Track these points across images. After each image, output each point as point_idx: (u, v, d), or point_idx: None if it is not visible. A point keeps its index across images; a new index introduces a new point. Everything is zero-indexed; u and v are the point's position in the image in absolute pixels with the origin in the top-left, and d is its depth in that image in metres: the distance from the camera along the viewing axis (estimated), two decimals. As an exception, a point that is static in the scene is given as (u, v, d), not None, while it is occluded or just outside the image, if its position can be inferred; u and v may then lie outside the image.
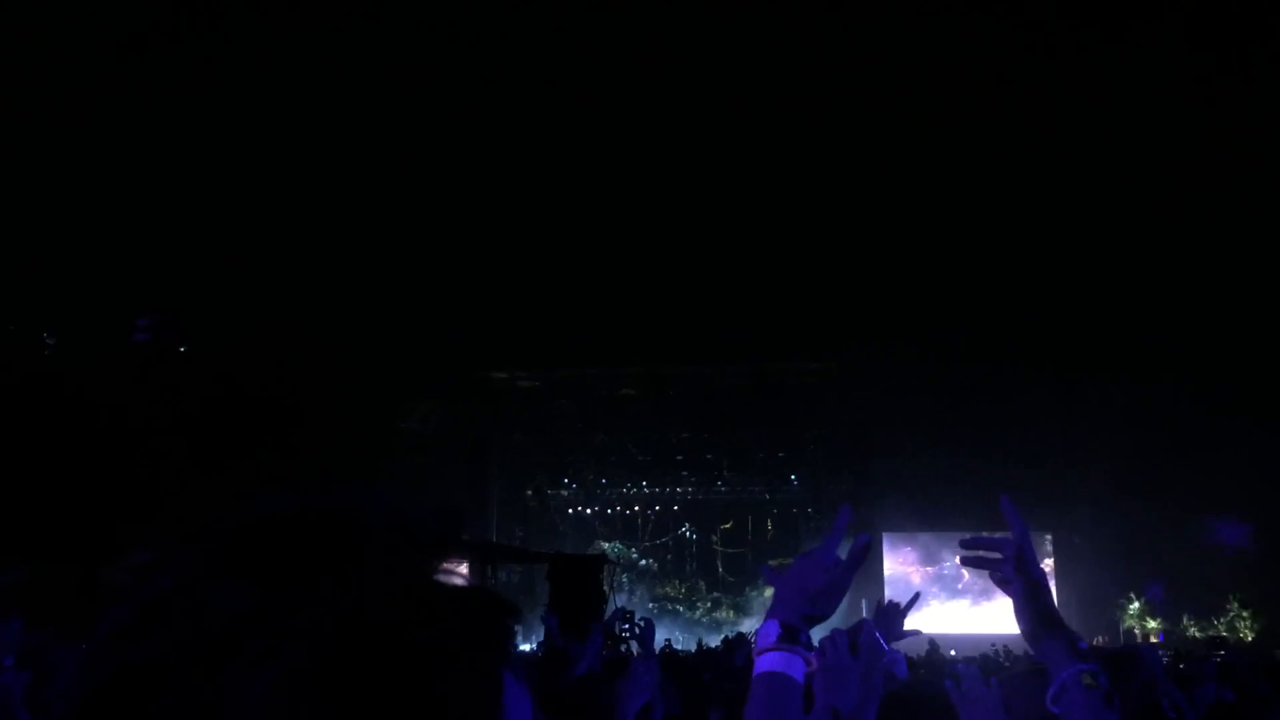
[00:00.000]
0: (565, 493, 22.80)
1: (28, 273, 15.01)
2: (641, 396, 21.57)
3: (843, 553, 1.46)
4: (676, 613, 21.41)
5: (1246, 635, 18.50)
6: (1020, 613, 1.41)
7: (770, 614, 1.42)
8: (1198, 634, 18.67)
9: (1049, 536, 20.40)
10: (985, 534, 1.54)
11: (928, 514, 20.26)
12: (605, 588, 15.56)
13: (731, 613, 21.62)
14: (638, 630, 6.60)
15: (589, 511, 22.95)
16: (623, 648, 8.39)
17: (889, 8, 16.45)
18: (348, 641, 0.47)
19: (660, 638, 15.87)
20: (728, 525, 22.91)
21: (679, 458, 22.04)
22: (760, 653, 1.38)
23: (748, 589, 22.08)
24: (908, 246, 18.66)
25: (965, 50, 16.53)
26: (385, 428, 19.54)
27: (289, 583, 0.48)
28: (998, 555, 1.44)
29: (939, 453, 19.46)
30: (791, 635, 1.37)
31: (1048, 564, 20.01)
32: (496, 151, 17.92)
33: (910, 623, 2.41)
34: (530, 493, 22.45)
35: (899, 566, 20.75)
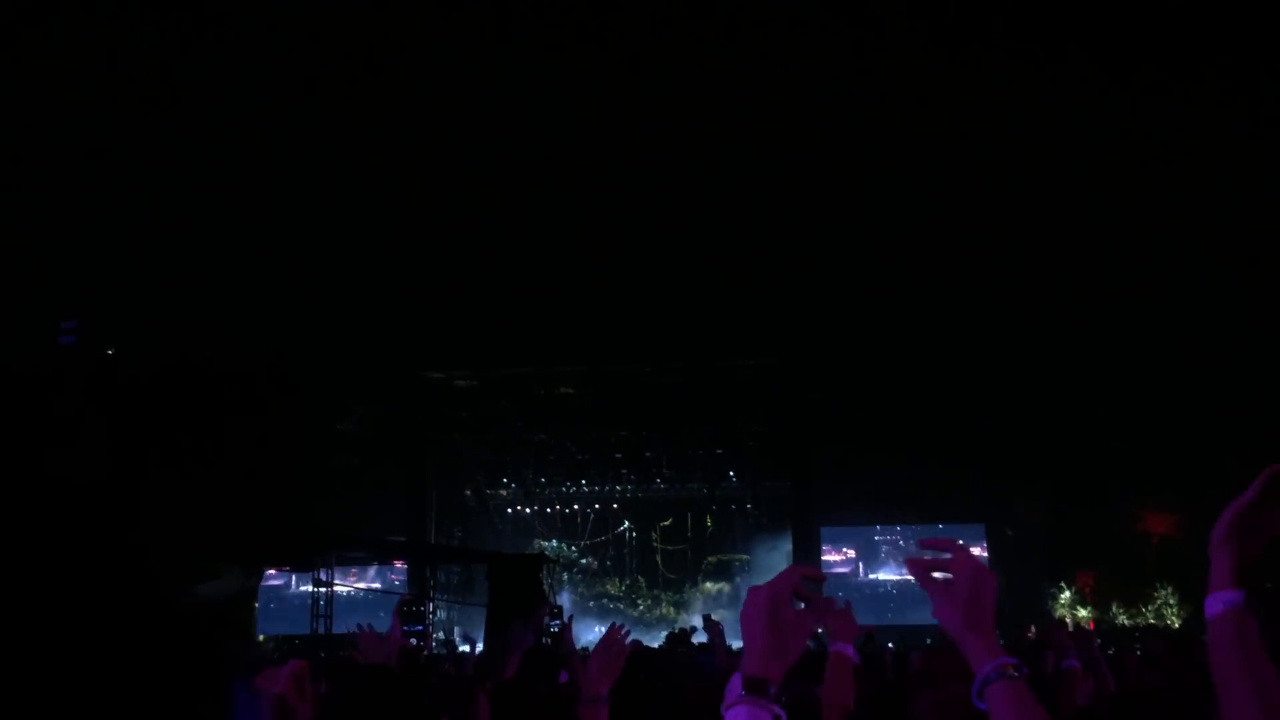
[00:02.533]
0: (504, 492, 22.71)
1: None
2: (580, 394, 21.54)
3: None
4: (618, 610, 21.44)
5: (1174, 621, 18.99)
6: (950, 609, 1.41)
7: (740, 667, 1.40)
8: (1126, 621, 19.15)
9: (982, 527, 20.75)
10: (925, 527, 1.55)
11: (865, 508, 20.55)
12: (544, 586, 15.52)
13: (672, 609, 21.70)
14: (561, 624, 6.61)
15: (528, 510, 22.89)
16: (545, 640, 8.44)
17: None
18: None
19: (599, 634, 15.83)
20: (667, 522, 22.97)
21: (618, 455, 22.03)
22: (728, 707, 1.34)
23: (687, 585, 22.18)
24: (847, 241, 18.82)
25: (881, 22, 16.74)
26: (320, 429, 19.29)
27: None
28: (947, 555, 1.44)
29: (877, 447, 19.69)
30: (757, 687, 1.35)
31: (980, 554, 20.35)
32: (434, 145, 17.76)
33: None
34: (469, 493, 22.33)
35: (836, 558, 20.96)
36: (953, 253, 18.53)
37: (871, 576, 20.77)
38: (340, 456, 19.40)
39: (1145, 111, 16.35)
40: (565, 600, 20.25)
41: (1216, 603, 1.32)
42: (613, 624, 2.55)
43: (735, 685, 1.37)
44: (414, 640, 12.54)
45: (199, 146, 16.41)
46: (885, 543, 20.94)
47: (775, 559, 21.04)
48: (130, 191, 16.09)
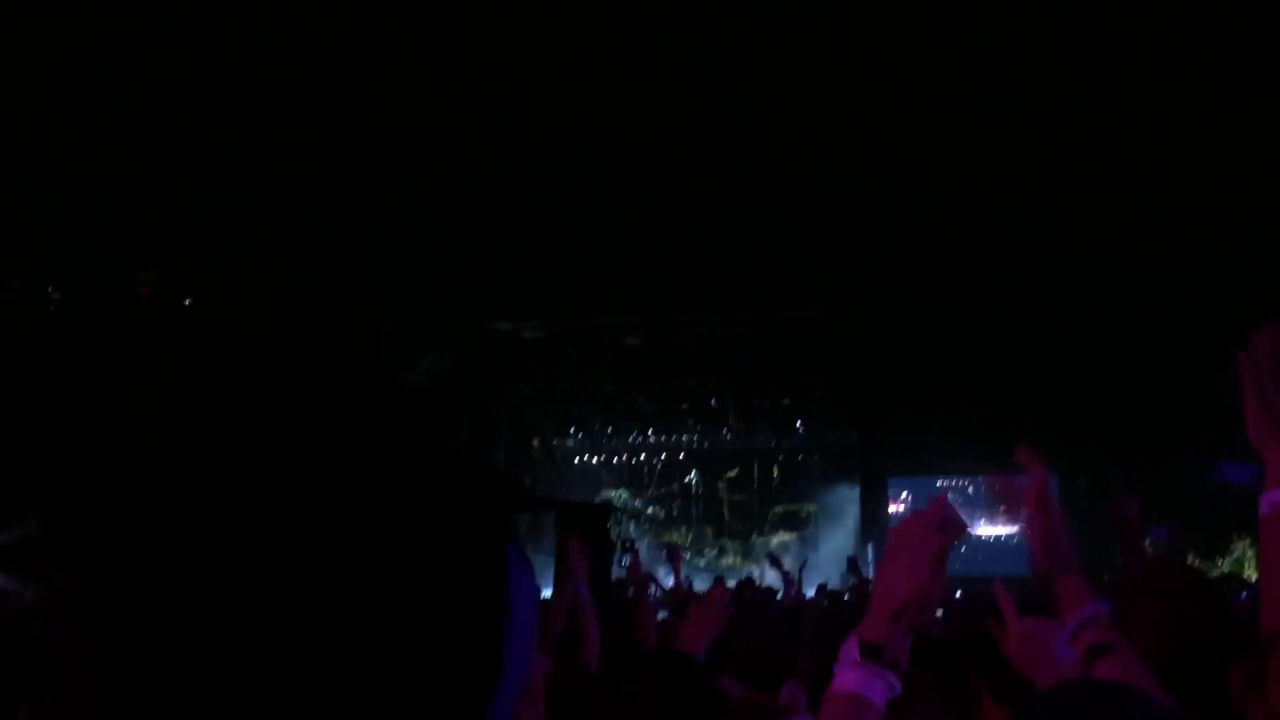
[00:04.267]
0: (571, 442, 22.89)
1: (29, 229, 15.00)
2: (647, 346, 21.58)
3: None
4: (683, 560, 21.58)
5: (1251, 575, 18.63)
6: (1035, 550, 1.39)
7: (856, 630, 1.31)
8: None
9: (1055, 478, 20.45)
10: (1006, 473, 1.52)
11: (933, 459, 20.37)
12: (612, 536, 15.67)
13: (737, 559, 21.78)
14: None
15: (595, 461, 23.06)
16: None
17: None
18: (354, 512, 0.48)
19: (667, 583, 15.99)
20: (733, 473, 23.00)
21: (684, 406, 22.09)
22: (839, 671, 1.28)
23: (753, 535, 22.22)
24: (914, 194, 18.52)
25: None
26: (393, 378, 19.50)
27: (296, 454, 0.49)
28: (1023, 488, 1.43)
29: (944, 398, 19.50)
30: (873, 652, 1.27)
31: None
32: (495, 93, 17.75)
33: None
34: (536, 443, 22.55)
35: (898, 509, 20.83)
36: (1019, 199, 18.13)
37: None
38: (406, 408, 19.61)
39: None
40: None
41: (1264, 504, 1.31)
42: (715, 582, 2.52)
43: (849, 648, 1.30)
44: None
45: (266, 97, 16.59)
46: (951, 490, 20.76)
47: (842, 509, 21.02)
48: (204, 139, 16.35)
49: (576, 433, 22.77)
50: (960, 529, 1.34)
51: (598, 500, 20.95)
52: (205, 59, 15.91)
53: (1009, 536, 20.34)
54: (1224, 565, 19.35)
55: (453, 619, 0.50)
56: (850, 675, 1.26)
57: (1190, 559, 19.79)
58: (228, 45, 15.90)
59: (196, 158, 16.41)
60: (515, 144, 18.39)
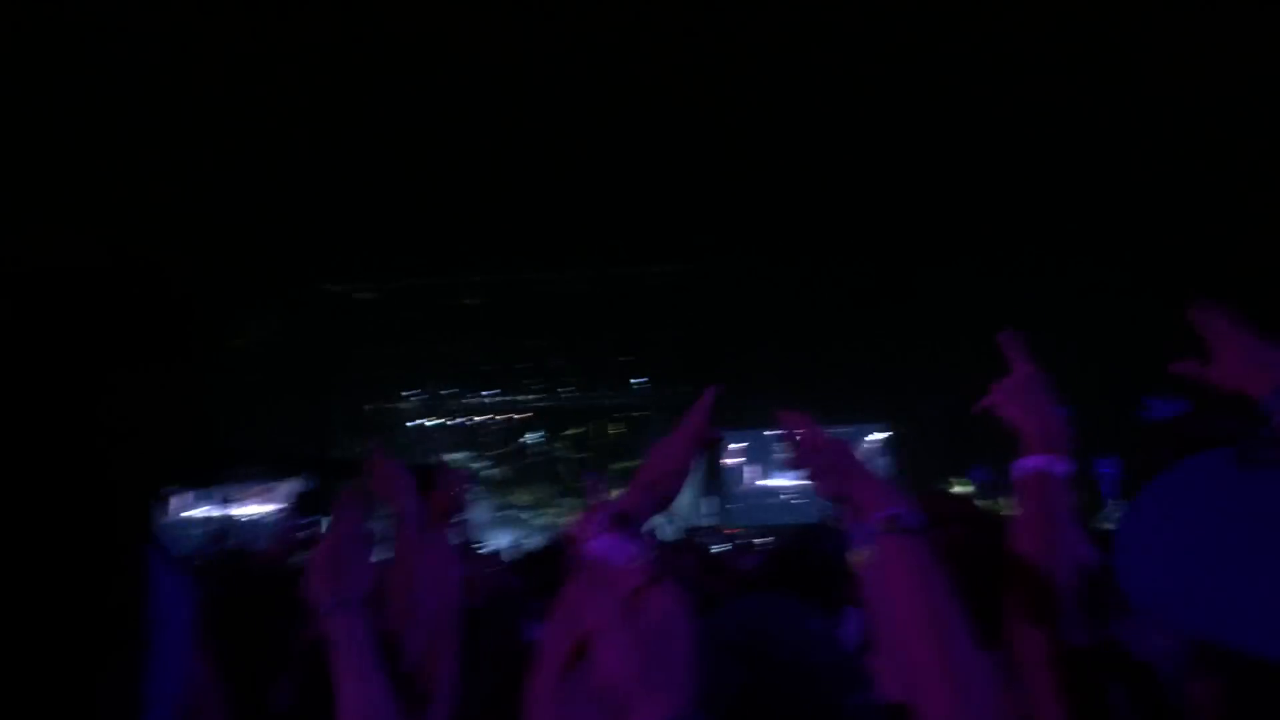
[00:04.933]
0: (409, 405, 22.50)
1: None
2: (486, 305, 21.32)
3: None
4: (525, 521, 21.57)
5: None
6: (822, 482, 1.43)
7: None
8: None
9: (886, 425, 21.25)
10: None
11: (768, 411, 20.82)
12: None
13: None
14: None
15: (434, 423, 22.74)
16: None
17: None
18: None
19: (508, 542, 15.98)
20: (574, 431, 23.05)
21: (523, 365, 21.97)
22: (589, 539, 1.31)
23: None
24: (751, 145, 18.73)
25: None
26: (218, 343, 18.80)
27: None
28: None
29: (780, 348, 19.93)
30: (622, 520, 1.32)
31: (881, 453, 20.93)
32: (330, 40, 17.09)
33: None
34: (371, 407, 22.08)
35: (732, 462, 21.32)
36: (857, 142, 18.54)
37: (760, 483, 21.11)
38: (240, 375, 18.95)
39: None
40: (471, 513, 20.23)
41: (1015, 469, 1.44)
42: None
43: (599, 519, 1.33)
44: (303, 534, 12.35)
45: (81, 36, 15.55)
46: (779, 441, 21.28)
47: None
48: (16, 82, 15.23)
49: (414, 395, 22.37)
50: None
51: (437, 462, 20.68)
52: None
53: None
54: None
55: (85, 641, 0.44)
56: (599, 542, 1.30)
57: (999, 500, 20.93)
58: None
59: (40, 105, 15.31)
60: (351, 97, 17.78)
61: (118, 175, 16.16)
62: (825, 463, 1.46)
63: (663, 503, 1.38)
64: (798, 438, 1.50)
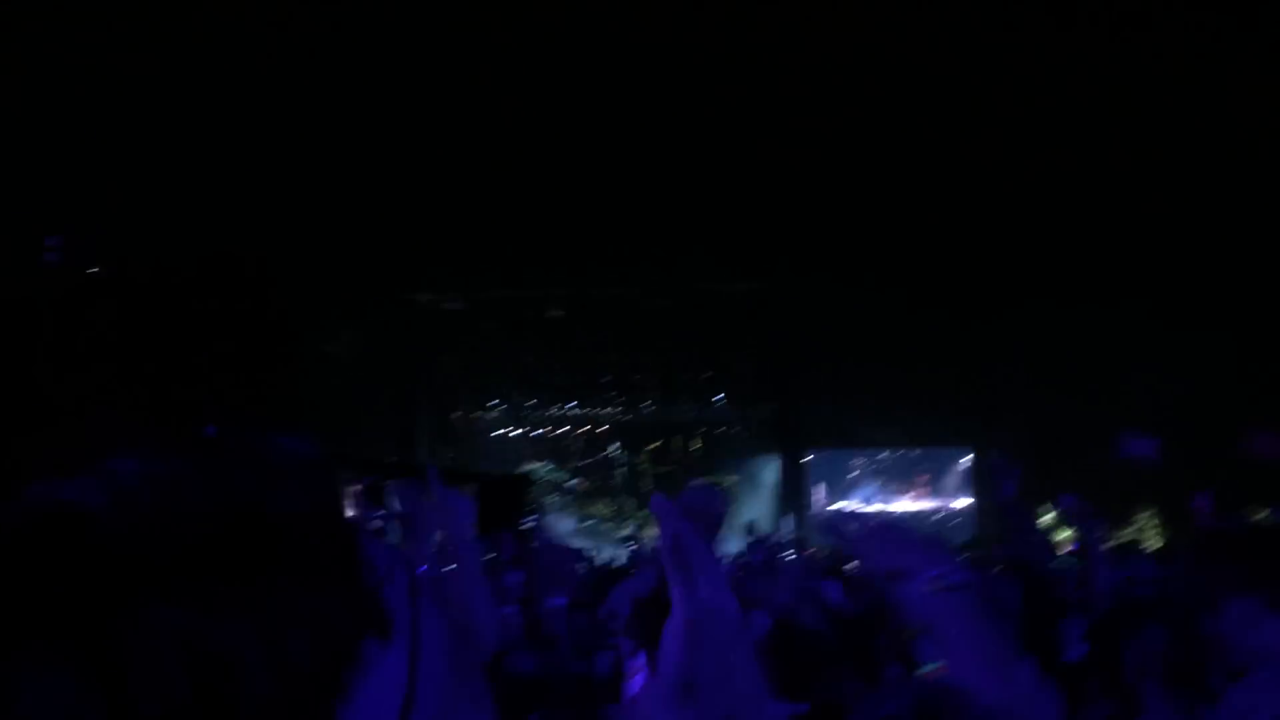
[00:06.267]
0: (494, 415, 22.79)
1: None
2: (569, 318, 21.54)
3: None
4: (604, 531, 21.67)
5: (1149, 544, 19.27)
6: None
7: None
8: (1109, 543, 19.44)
9: (969, 449, 20.93)
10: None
11: (851, 431, 20.69)
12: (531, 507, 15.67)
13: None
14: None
15: (518, 433, 22.99)
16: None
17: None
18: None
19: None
20: (656, 445, 23.10)
21: (605, 379, 22.12)
22: None
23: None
24: (834, 168, 18.68)
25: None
26: (309, 352, 19.29)
27: None
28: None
29: (864, 372, 19.78)
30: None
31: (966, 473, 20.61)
32: (410, 62, 17.47)
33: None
34: (458, 415, 22.41)
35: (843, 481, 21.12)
36: (938, 175, 18.41)
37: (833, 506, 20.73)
38: (328, 379, 19.39)
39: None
40: (554, 522, 20.40)
41: None
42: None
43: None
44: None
45: (182, 65, 16.13)
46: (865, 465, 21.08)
47: (764, 480, 21.27)
48: (111, 109, 15.84)
49: (499, 405, 22.66)
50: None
51: (520, 472, 20.91)
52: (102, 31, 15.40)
53: (923, 512, 20.79)
54: (1126, 534, 19.97)
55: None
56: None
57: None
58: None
59: (110, 116, 15.92)
60: (438, 115, 18.15)
61: (216, 186, 16.69)
62: (875, 545, 1.51)
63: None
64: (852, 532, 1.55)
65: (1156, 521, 20.00)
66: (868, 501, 20.83)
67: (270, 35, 16.38)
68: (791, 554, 10.03)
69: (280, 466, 0.54)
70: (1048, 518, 20.19)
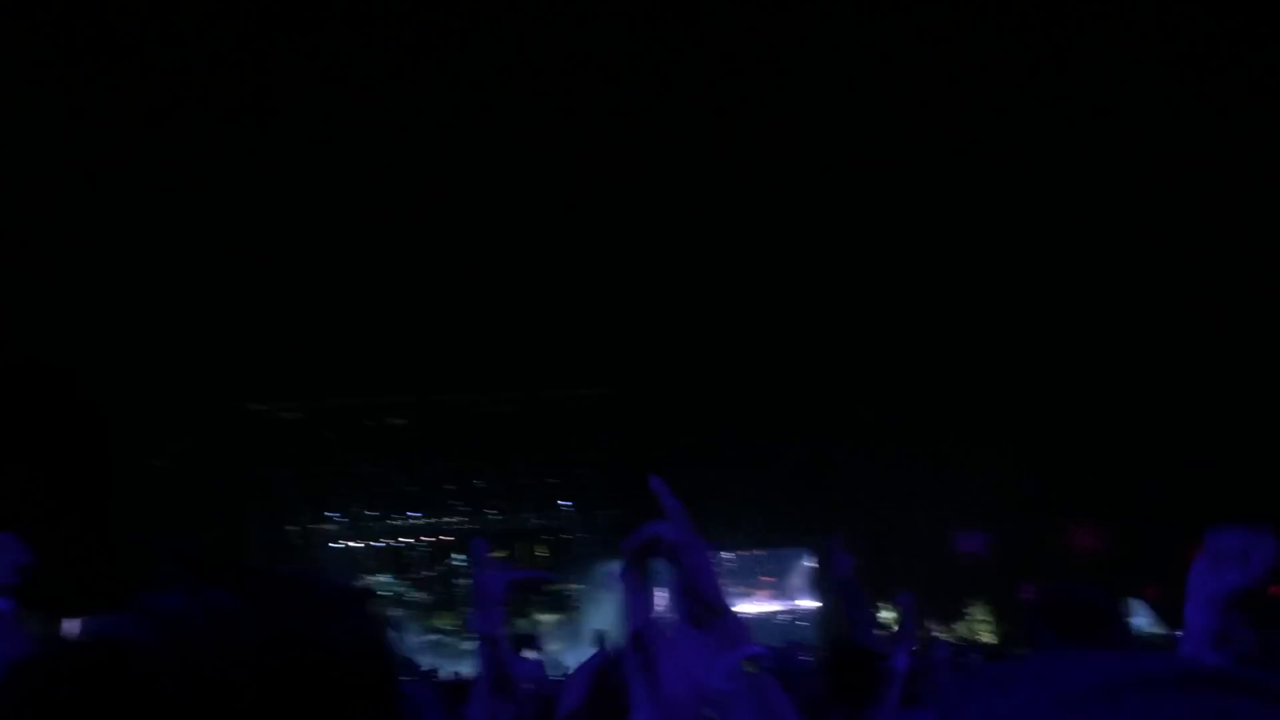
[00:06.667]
0: (331, 527, 22.03)
1: None
2: (410, 425, 21.19)
3: None
4: (452, 646, 21.03)
5: (988, 638, 19.88)
6: (678, 593, 1.43)
7: None
8: (941, 638, 19.96)
9: (809, 550, 21.28)
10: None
11: (701, 532, 20.76)
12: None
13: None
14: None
15: (357, 545, 22.26)
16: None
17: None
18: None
19: (431, 668, 15.56)
20: (501, 554, 22.67)
21: (449, 487, 21.74)
22: None
23: (518, 619, 21.91)
24: (676, 269, 19.14)
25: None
26: (132, 465, 18.40)
27: None
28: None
29: (711, 474, 20.01)
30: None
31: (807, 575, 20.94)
32: (250, 160, 17.22)
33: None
34: (294, 528, 21.59)
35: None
36: (768, 269, 19.04)
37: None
38: (156, 495, 18.49)
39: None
40: (394, 638, 19.66)
41: None
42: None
43: None
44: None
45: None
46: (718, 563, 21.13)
47: (609, 587, 21.07)
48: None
49: (337, 517, 21.94)
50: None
51: (359, 585, 20.17)
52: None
53: (773, 614, 20.95)
54: (959, 630, 20.56)
55: None
56: None
57: (926, 625, 21.01)
58: None
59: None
60: (276, 215, 17.87)
61: (46, 281, 15.96)
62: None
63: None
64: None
65: (988, 614, 20.67)
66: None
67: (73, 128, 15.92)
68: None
69: (327, 601, 0.56)
70: (884, 615, 20.64)
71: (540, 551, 22.61)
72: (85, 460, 16.23)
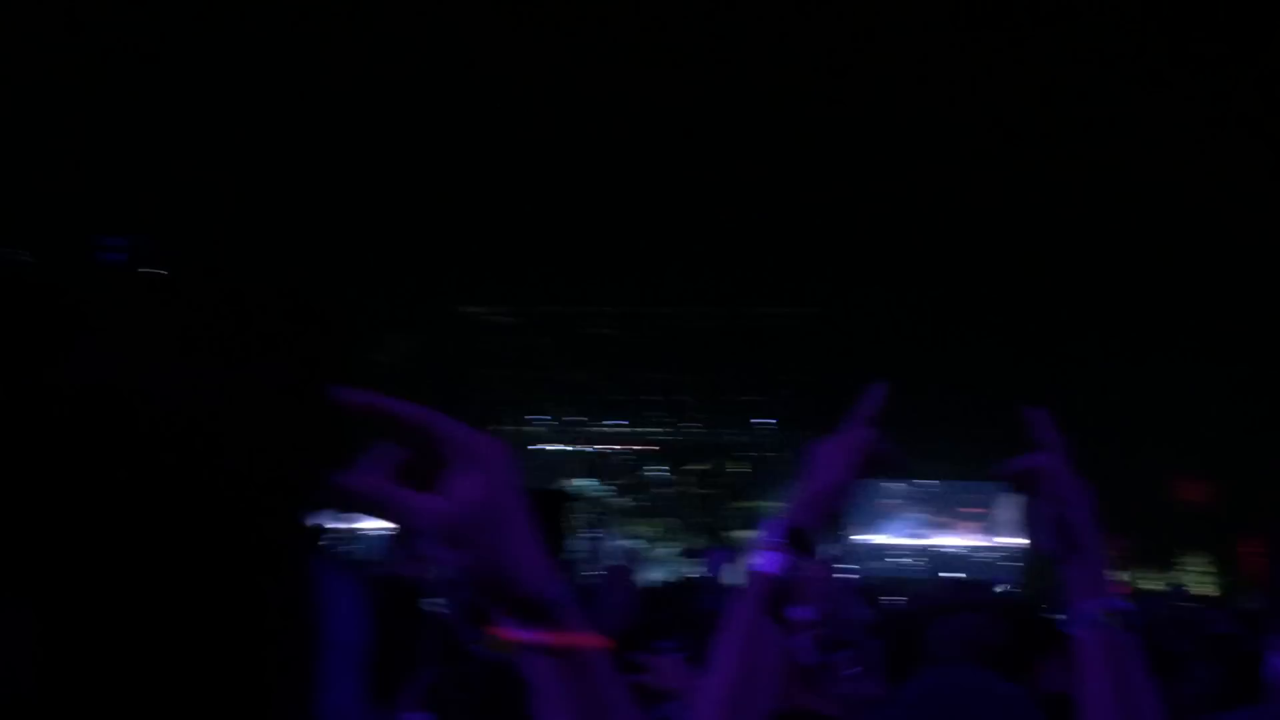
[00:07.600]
0: (537, 429, 22.75)
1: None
2: (617, 335, 21.52)
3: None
4: (645, 551, 21.50)
5: (1207, 589, 18.79)
6: (1049, 526, 1.34)
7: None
8: (1156, 588, 18.95)
9: (1010, 486, 20.49)
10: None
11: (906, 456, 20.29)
12: (564, 524, 15.56)
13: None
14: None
15: (561, 448, 22.91)
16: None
17: None
18: None
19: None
20: (702, 466, 22.93)
21: (652, 397, 22.04)
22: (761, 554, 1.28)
23: (719, 530, 22.14)
24: (885, 190, 18.58)
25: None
26: (360, 360, 19.44)
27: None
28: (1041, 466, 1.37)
29: (914, 399, 19.52)
30: (794, 538, 1.28)
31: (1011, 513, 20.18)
32: (463, 80, 17.63)
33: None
34: (500, 427, 22.39)
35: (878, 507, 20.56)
36: (993, 208, 18.23)
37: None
38: (376, 386, 19.50)
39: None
40: (598, 540, 20.27)
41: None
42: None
43: (769, 536, 1.27)
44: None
45: (245, 81, 16.42)
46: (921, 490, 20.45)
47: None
48: (178, 116, 16.14)
49: (543, 419, 22.64)
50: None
51: (560, 487, 20.81)
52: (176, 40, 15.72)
53: (969, 549, 20.32)
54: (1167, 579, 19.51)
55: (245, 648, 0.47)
56: (767, 558, 1.27)
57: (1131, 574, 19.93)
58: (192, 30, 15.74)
59: (171, 136, 16.24)
60: (493, 131, 18.28)
61: (266, 199, 16.94)
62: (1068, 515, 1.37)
63: (827, 520, 1.34)
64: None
65: (1208, 565, 19.54)
66: (912, 534, 20.45)
67: (316, 69, 16.61)
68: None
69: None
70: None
71: (737, 468, 22.70)
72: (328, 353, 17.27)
